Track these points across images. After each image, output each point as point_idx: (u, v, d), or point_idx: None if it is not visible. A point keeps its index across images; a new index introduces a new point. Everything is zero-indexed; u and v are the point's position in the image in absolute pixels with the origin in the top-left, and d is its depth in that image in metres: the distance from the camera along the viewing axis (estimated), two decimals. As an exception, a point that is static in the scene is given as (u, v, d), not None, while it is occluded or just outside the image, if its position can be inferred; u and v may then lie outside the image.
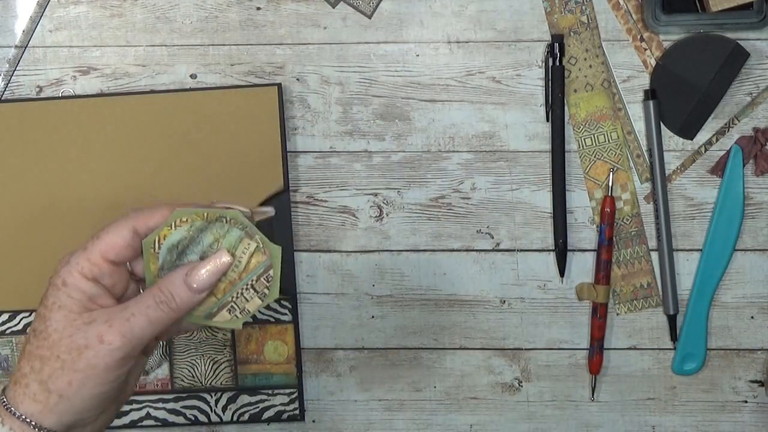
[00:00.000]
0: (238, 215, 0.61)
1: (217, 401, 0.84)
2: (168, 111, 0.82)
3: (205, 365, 0.84)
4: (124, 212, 0.62)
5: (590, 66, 0.82)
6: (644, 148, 0.83)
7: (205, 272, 0.60)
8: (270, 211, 0.65)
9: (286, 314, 0.84)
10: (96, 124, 0.82)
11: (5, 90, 0.83)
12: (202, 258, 0.61)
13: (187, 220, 0.61)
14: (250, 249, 0.61)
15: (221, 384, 0.84)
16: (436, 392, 0.85)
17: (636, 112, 0.83)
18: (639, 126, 0.83)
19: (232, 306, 0.62)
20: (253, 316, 0.80)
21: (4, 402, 0.59)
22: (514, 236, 0.83)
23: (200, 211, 0.61)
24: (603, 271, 0.82)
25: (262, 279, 0.62)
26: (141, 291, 0.63)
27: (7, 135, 0.82)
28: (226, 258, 0.61)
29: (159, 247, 0.61)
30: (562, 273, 0.83)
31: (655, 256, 0.83)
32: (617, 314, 0.84)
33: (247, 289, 0.62)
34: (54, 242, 0.82)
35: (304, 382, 0.84)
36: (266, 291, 0.62)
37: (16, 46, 0.83)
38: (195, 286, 0.60)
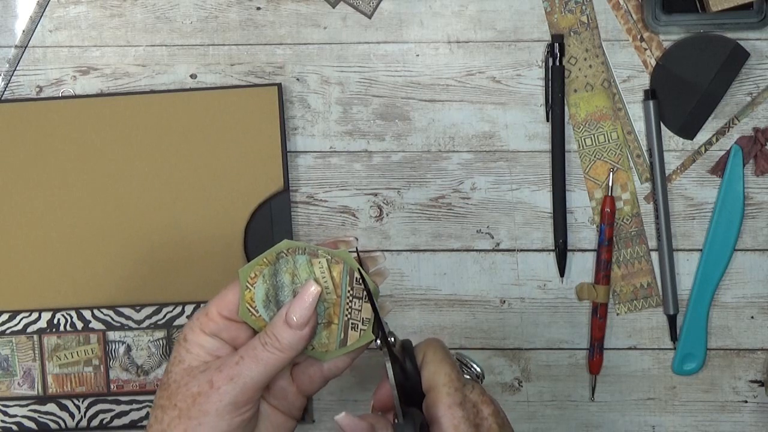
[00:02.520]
0: (290, 243, 0.61)
1: (217, 401, 0.84)
2: (168, 111, 0.82)
3: (205, 365, 0.84)
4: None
5: (590, 66, 0.82)
6: (644, 148, 0.83)
7: (298, 307, 0.60)
8: (380, 256, 0.66)
9: (286, 314, 0.84)
10: (96, 124, 0.82)
11: (5, 90, 0.83)
12: (295, 295, 0.62)
13: (254, 274, 0.61)
14: (324, 266, 0.61)
15: (221, 384, 0.84)
16: (436, 392, 0.85)
17: (636, 112, 0.83)
18: (639, 126, 0.83)
19: (352, 323, 0.62)
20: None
21: None
22: (514, 236, 0.83)
23: (259, 260, 0.61)
24: (603, 271, 0.82)
25: (355, 285, 0.61)
26: None
27: (7, 135, 0.82)
28: (314, 288, 0.61)
29: (256, 311, 0.61)
30: (562, 273, 0.83)
31: (655, 256, 0.83)
32: (617, 314, 0.84)
33: (351, 300, 0.62)
34: (54, 242, 0.83)
35: (304, 382, 0.84)
36: (366, 292, 0.62)
37: (16, 46, 0.83)
38: (294, 322, 0.60)
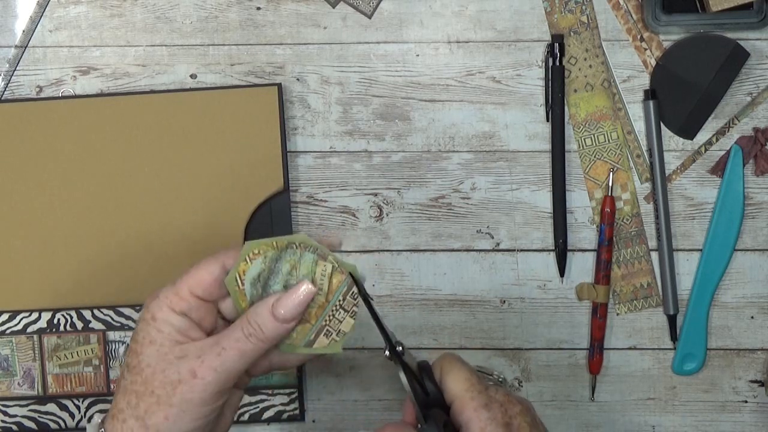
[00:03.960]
0: (306, 239, 0.61)
1: (217, 401, 0.84)
2: (168, 111, 0.82)
3: (205, 365, 0.84)
4: (214, 251, 0.63)
5: (590, 66, 0.82)
6: (644, 148, 0.83)
7: (290, 302, 0.61)
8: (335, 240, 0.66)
9: (286, 314, 0.84)
10: (96, 124, 0.82)
11: (5, 90, 0.83)
12: (286, 287, 0.62)
13: (258, 251, 0.62)
14: (328, 270, 0.62)
15: (221, 384, 0.84)
16: (436, 392, 0.85)
17: (636, 112, 0.83)
18: (639, 126, 0.83)
19: (327, 330, 0.63)
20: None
21: None
22: (514, 236, 0.83)
23: (269, 241, 0.62)
24: (603, 271, 0.82)
25: (348, 298, 0.62)
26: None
27: (7, 135, 0.82)
28: (309, 287, 0.61)
29: (242, 284, 0.62)
30: (562, 273, 0.83)
31: (655, 256, 0.83)
32: (617, 314, 0.84)
33: (336, 310, 0.62)
34: (54, 242, 0.83)
35: (304, 382, 0.84)
36: (355, 309, 0.62)
37: (16, 46, 0.83)
38: (281, 316, 0.60)
